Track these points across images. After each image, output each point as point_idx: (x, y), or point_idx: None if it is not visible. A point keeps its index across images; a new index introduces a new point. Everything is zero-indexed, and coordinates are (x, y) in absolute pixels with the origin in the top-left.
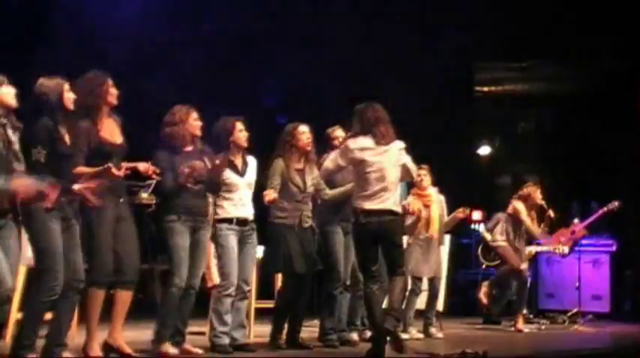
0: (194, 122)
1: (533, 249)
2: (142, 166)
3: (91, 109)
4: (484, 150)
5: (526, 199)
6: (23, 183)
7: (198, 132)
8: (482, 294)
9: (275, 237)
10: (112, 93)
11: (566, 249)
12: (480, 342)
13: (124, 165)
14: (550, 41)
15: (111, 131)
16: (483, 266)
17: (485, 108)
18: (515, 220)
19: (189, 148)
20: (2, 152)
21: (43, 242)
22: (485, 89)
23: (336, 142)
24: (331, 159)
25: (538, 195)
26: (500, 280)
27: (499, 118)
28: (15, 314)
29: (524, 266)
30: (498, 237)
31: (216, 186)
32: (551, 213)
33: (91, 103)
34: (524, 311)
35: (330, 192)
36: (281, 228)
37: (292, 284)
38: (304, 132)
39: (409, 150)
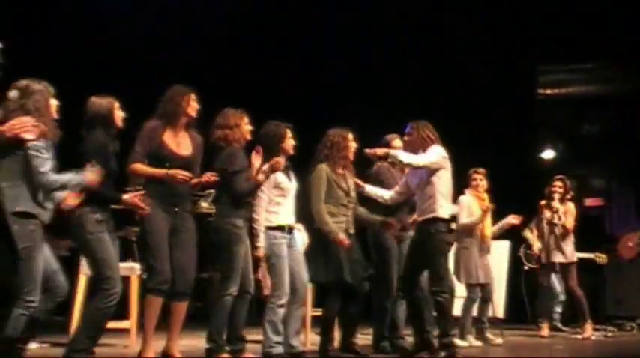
0: (246, 126)
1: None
2: (205, 177)
3: (170, 117)
4: (548, 154)
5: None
6: (93, 176)
7: (249, 137)
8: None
9: (322, 243)
10: (193, 107)
11: (605, 259)
12: (541, 350)
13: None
14: (613, 42)
15: (178, 141)
16: (525, 268)
17: (549, 111)
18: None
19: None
20: None
21: (100, 253)
22: (549, 91)
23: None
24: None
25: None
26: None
27: (563, 121)
28: None
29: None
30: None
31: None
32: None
33: (170, 111)
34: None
35: (361, 211)
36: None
37: (343, 292)
38: (352, 140)
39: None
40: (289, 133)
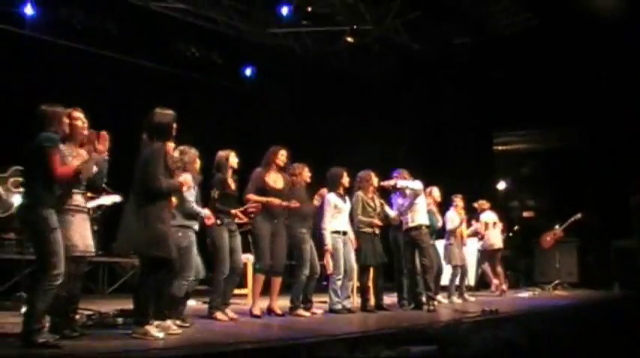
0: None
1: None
2: (293, 203)
3: (268, 165)
4: (501, 185)
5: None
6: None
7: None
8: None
9: (358, 240)
10: (282, 159)
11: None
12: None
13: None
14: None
15: (275, 180)
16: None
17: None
18: None
19: None
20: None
21: (219, 244)
22: (500, 148)
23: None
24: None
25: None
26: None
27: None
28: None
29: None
30: None
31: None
32: None
33: (267, 161)
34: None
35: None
36: (362, 235)
37: (368, 271)
38: (374, 177)
39: None
40: (345, 174)
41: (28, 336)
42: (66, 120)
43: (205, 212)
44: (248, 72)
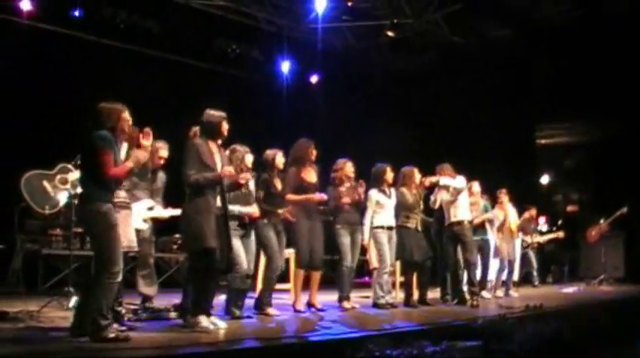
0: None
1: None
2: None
3: (298, 161)
4: (544, 179)
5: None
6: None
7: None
8: None
9: (401, 235)
10: (313, 153)
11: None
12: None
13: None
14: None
15: (309, 174)
16: None
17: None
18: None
19: None
20: None
21: (267, 241)
22: (543, 141)
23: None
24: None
25: None
26: None
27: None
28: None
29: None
30: None
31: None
32: None
33: (298, 156)
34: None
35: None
36: (403, 230)
37: (414, 266)
38: (417, 173)
39: None
40: (389, 170)
41: (99, 332)
42: (125, 117)
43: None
44: (314, 79)
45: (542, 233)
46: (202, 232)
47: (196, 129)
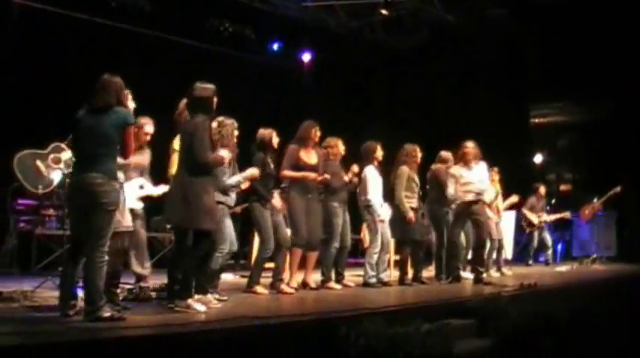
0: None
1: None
2: (325, 176)
3: (300, 141)
4: (537, 159)
5: None
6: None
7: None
8: None
9: (398, 215)
10: (316, 134)
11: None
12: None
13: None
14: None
15: (309, 155)
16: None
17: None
18: None
19: None
20: None
21: (263, 223)
22: (537, 120)
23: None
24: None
25: None
26: None
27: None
28: None
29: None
30: None
31: None
32: None
33: (300, 136)
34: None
35: None
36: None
37: (412, 245)
38: (419, 151)
39: None
40: (379, 148)
41: (95, 312)
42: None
43: (247, 173)
44: (306, 57)
45: (548, 212)
46: (212, 214)
47: (183, 103)
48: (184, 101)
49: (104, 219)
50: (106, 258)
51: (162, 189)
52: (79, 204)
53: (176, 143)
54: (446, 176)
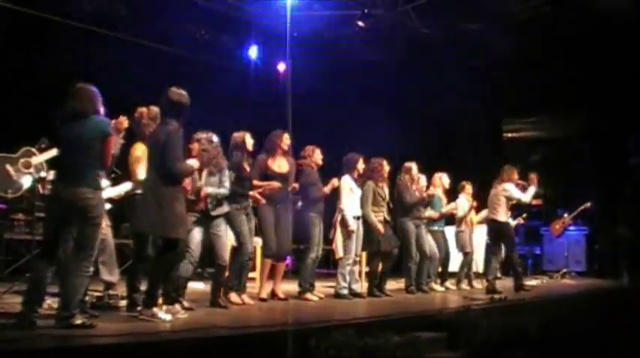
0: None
1: None
2: (294, 186)
3: (269, 150)
4: None
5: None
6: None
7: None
8: None
9: (367, 228)
10: (285, 143)
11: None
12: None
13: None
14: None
15: (279, 164)
16: None
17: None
18: None
19: None
20: None
21: (240, 227)
22: (510, 135)
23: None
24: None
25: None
26: None
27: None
28: None
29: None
30: None
31: None
32: None
33: (269, 146)
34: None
35: None
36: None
37: (380, 256)
38: (386, 165)
39: None
40: (361, 160)
41: (69, 318)
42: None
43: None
44: (281, 67)
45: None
46: (182, 221)
47: (143, 110)
48: (151, 108)
49: (95, 232)
50: (92, 268)
51: (126, 186)
52: (63, 215)
53: (139, 149)
54: (404, 187)
